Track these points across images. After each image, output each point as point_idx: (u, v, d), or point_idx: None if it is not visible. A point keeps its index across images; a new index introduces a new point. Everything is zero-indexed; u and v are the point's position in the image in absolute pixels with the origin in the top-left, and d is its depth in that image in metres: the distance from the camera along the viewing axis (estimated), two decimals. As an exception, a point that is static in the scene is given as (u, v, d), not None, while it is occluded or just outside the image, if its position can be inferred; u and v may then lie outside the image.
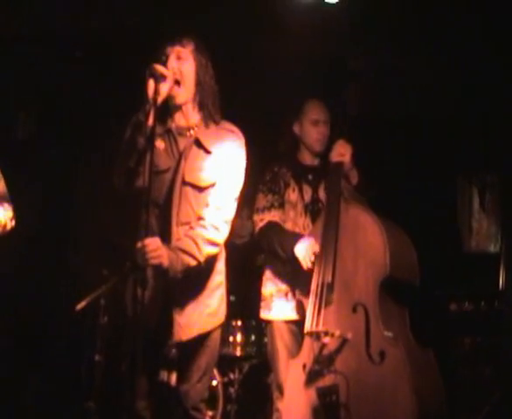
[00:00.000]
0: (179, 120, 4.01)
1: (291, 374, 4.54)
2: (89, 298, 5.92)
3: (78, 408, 6.28)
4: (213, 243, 3.86)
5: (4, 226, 4.87)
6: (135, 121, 3.79)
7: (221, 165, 3.92)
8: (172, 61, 3.91)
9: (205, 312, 3.97)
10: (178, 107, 3.99)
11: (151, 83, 3.74)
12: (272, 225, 4.81)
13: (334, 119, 4.87)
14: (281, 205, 4.87)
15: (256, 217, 4.90)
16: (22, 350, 6.47)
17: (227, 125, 4.05)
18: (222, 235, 3.91)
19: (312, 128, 4.90)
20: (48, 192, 6.57)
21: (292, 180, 4.91)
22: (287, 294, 4.83)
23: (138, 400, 3.92)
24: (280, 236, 4.73)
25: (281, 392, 4.75)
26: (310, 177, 4.92)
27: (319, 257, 4.47)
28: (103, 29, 5.63)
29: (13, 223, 4.92)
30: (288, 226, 4.83)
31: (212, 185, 3.92)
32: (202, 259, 3.80)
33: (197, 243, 3.78)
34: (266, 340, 5.96)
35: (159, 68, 3.77)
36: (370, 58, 5.46)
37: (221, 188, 3.91)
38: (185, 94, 3.95)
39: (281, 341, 4.84)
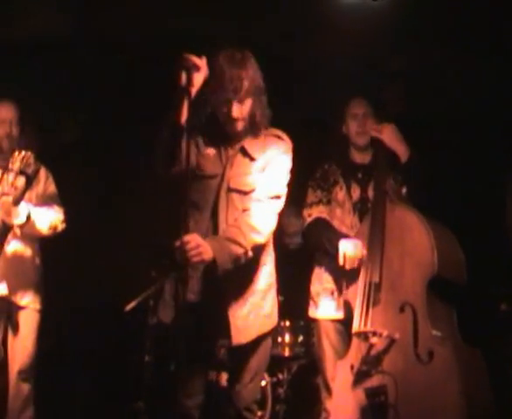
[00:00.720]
0: (229, 130, 3.98)
1: (339, 374, 4.54)
2: (138, 299, 5.99)
3: (127, 409, 6.33)
4: (257, 231, 3.82)
5: (55, 228, 4.95)
6: (170, 113, 3.76)
7: (264, 167, 3.93)
8: (236, 106, 3.83)
9: (261, 314, 3.98)
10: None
11: (183, 74, 3.68)
12: (320, 221, 4.82)
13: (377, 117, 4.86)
14: (329, 202, 4.88)
15: (304, 212, 4.92)
16: (71, 351, 6.55)
17: (274, 131, 4.04)
18: (266, 224, 3.88)
19: (352, 122, 4.90)
20: (96, 194, 6.65)
21: (341, 178, 4.91)
22: (332, 293, 4.82)
23: (187, 399, 3.94)
24: (327, 233, 4.74)
25: (329, 392, 4.75)
26: (360, 176, 4.90)
27: (366, 257, 4.47)
28: (148, 31, 5.66)
29: (63, 225, 5.00)
30: (335, 224, 4.82)
31: (256, 189, 3.92)
32: (248, 247, 3.77)
33: (241, 230, 3.76)
34: (314, 339, 5.98)
35: (191, 58, 3.70)
36: (413, 57, 5.42)
37: (265, 183, 3.91)
38: (244, 125, 3.94)
39: (327, 340, 4.84)
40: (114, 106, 6.57)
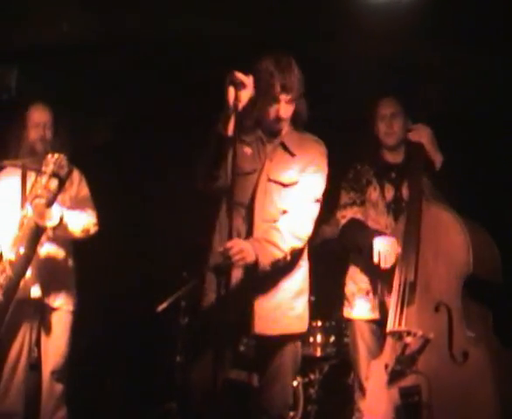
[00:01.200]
0: (270, 131, 4.10)
1: (373, 374, 4.53)
2: (170, 299, 6.01)
3: (159, 409, 6.35)
4: (297, 237, 3.94)
5: (87, 231, 4.96)
6: (216, 128, 3.87)
7: (304, 168, 4.02)
8: (283, 105, 3.98)
9: (289, 314, 4.03)
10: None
11: (231, 90, 3.81)
12: (354, 222, 4.81)
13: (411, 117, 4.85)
14: (363, 203, 4.85)
15: (338, 214, 4.91)
16: (104, 352, 6.58)
17: (311, 135, 4.16)
18: (305, 230, 3.99)
19: (381, 123, 4.87)
20: (128, 196, 6.67)
21: (374, 178, 4.88)
22: (367, 293, 4.80)
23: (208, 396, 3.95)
24: (362, 233, 4.73)
25: (362, 392, 4.74)
26: (393, 175, 4.87)
27: (400, 256, 4.45)
28: (185, 35, 5.67)
29: (96, 227, 5.02)
30: (370, 225, 4.80)
31: (295, 183, 4.01)
32: (287, 251, 3.88)
33: (282, 235, 3.87)
34: (346, 340, 5.97)
35: (239, 75, 3.84)
36: (446, 55, 5.39)
37: (303, 187, 4.01)
38: (287, 124, 4.09)
39: (362, 340, 4.82)
40: (145, 108, 6.60)
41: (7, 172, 4.94)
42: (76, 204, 4.98)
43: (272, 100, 3.96)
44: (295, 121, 4.11)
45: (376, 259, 4.49)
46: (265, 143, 4.08)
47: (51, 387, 4.94)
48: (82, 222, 4.91)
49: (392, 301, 4.43)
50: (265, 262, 3.80)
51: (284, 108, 3.98)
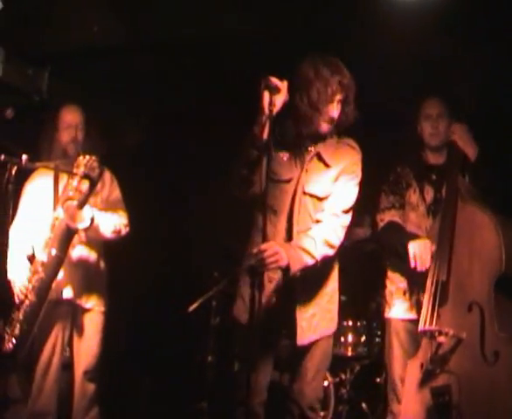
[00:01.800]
0: (306, 135, 4.09)
1: (409, 373, 4.51)
2: (201, 299, 6.03)
3: (190, 409, 6.38)
4: (330, 245, 3.95)
5: (119, 232, 4.99)
6: (250, 133, 3.88)
7: (339, 176, 4.03)
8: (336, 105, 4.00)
9: (327, 317, 4.08)
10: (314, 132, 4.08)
11: (266, 95, 3.82)
12: (392, 224, 4.81)
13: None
14: (402, 206, 4.84)
15: (378, 217, 4.92)
16: (135, 352, 6.61)
17: (346, 140, 4.15)
18: (338, 238, 4.00)
19: (425, 123, 4.85)
20: (159, 196, 6.70)
21: (414, 180, 4.86)
22: (405, 293, 4.79)
23: (253, 397, 3.96)
24: (400, 235, 4.72)
25: (396, 394, 4.73)
26: (434, 177, 4.85)
27: (434, 255, 4.44)
28: (216, 37, 5.68)
29: (127, 229, 5.04)
30: (410, 228, 4.79)
31: (329, 195, 4.03)
32: (318, 259, 3.88)
33: (316, 243, 3.88)
34: (377, 339, 5.96)
35: (274, 80, 3.84)
36: (486, 55, 5.36)
37: (337, 196, 4.02)
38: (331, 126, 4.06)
39: (397, 340, 4.81)
40: (176, 109, 6.62)
41: (39, 174, 4.97)
42: (107, 206, 5.01)
43: (326, 101, 3.97)
44: (340, 125, 4.10)
45: (412, 263, 4.50)
46: (302, 150, 4.08)
47: (83, 387, 4.98)
48: (113, 223, 4.94)
49: (425, 300, 4.42)
50: (296, 268, 3.81)
51: (337, 109, 4.00)
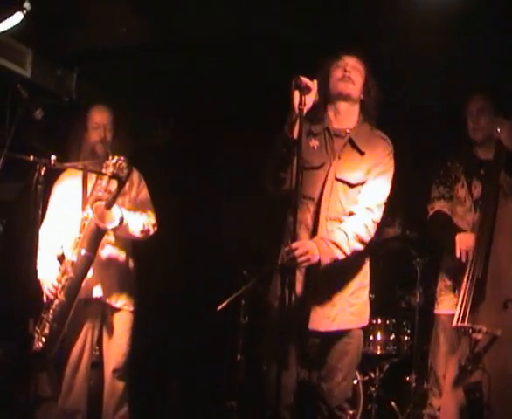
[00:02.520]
0: (336, 122, 4.12)
1: (449, 369, 4.48)
2: (230, 298, 6.04)
3: (220, 408, 6.39)
4: (361, 241, 3.94)
5: (147, 232, 5.00)
6: (281, 132, 3.89)
7: (372, 168, 4.02)
8: (350, 67, 4.06)
9: (349, 311, 4.02)
10: (338, 111, 4.11)
11: (296, 94, 3.84)
12: (440, 215, 4.85)
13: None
14: (451, 198, 4.89)
15: (428, 207, 4.95)
16: (165, 351, 6.64)
17: (379, 132, 4.15)
18: (370, 234, 3.98)
19: (469, 119, 4.89)
20: (189, 196, 6.72)
21: (462, 175, 4.88)
22: (454, 289, 4.78)
23: (279, 400, 3.94)
24: (447, 227, 4.74)
25: (437, 387, 4.72)
26: (482, 172, 4.85)
27: (472, 251, 4.42)
28: (242, 36, 5.68)
29: (155, 228, 5.06)
30: (457, 221, 4.81)
31: (362, 184, 4.01)
32: (349, 254, 3.88)
33: (348, 238, 3.87)
34: (406, 338, 5.93)
35: (304, 80, 3.85)
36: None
37: (371, 190, 4.01)
38: (354, 91, 4.09)
39: (444, 335, 4.80)
40: (204, 108, 6.63)
41: (68, 174, 5.00)
42: (136, 206, 5.03)
43: (336, 64, 4.07)
44: (365, 111, 4.14)
45: (458, 254, 4.54)
46: (332, 136, 4.09)
47: (112, 385, 5.00)
48: (142, 223, 4.96)
49: (460, 296, 4.39)
50: (326, 261, 3.81)
51: (349, 71, 4.05)
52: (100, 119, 5.03)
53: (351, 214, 3.96)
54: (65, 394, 4.89)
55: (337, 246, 3.84)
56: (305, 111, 3.83)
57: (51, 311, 4.66)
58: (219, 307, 5.98)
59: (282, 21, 5.50)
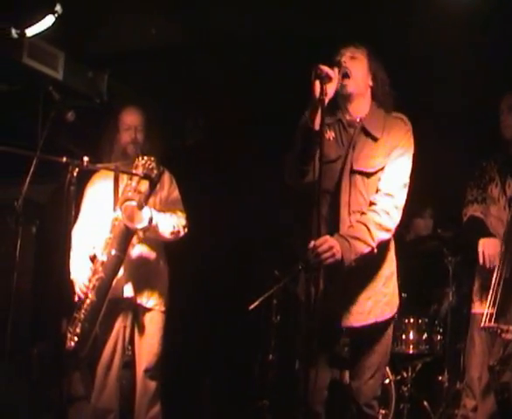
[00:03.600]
0: (349, 113, 4.05)
1: (486, 371, 4.47)
2: (261, 298, 6.05)
3: (252, 407, 6.40)
4: (385, 229, 3.85)
5: (177, 233, 5.02)
6: (303, 123, 3.84)
7: (389, 151, 3.94)
8: (345, 58, 3.97)
9: (382, 301, 3.98)
10: (349, 100, 4.03)
11: (317, 84, 3.77)
12: (473, 220, 4.80)
13: None
14: (484, 200, 4.82)
15: (463, 211, 4.92)
16: (197, 351, 6.66)
17: (395, 113, 4.06)
18: (393, 221, 3.89)
19: (501, 116, 4.84)
20: (219, 196, 6.73)
21: (497, 174, 4.83)
22: (488, 289, 4.74)
23: (312, 396, 3.95)
24: (479, 231, 4.70)
25: (471, 388, 4.69)
26: None
27: (502, 252, 4.41)
28: (273, 35, 5.69)
29: (186, 230, 5.07)
30: (490, 222, 4.77)
31: (381, 170, 3.93)
32: (374, 245, 3.80)
33: (369, 229, 3.79)
34: (438, 337, 5.90)
35: (325, 69, 3.78)
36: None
37: (390, 174, 3.92)
38: (355, 86, 3.99)
39: (479, 336, 4.73)
40: (233, 108, 6.64)
41: (100, 175, 5.04)
42: (167, 207, 5.04)
43: (335, 59, 3.97)
44: (376, 98, 4.06)
45: (480, 260, 4.52)
46: (346, 126, 4.02)
47: (144, 384, 5.02)
48: (172, 224, 4.97)
49: (489, 297, 4.37)
50: (350, 258, 3.74)
51: (348, 62, 3.96)
52: (131, 120, 5.06)
53: (371, 204, 3.88)
54: (98, 394, 4.92)
55: (360, 240, 3.76)
56: (326, 100, 3.76)
57: (82, 310, 4.69)
58: (251, 307, 5.98)
59: (311, 20, 5.51)
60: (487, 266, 4.45)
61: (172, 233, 4.97)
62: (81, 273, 4.77)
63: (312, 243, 3.65)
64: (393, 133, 3.97)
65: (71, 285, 4.75)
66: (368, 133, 3.98)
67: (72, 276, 4.77)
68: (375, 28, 5.37)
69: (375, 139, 3.96)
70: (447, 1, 5.19)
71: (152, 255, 5.04)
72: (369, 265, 3.93)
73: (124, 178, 4.90)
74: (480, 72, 5.69)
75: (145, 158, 4.58)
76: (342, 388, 5.34)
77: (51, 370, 5.83)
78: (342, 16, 5.43)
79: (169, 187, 5.14)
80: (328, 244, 3.66)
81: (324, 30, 5.46)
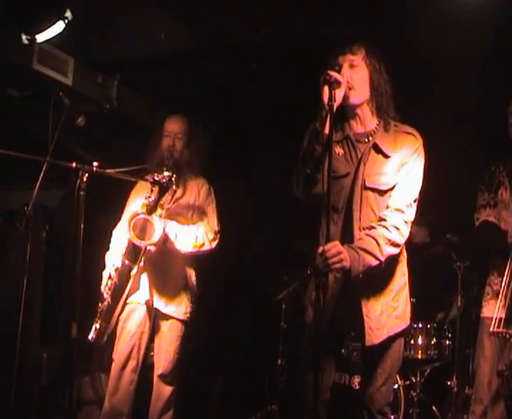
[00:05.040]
0: (357, 126, 4.02)
1: (495, 375, 4.46)
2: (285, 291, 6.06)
3: (262, 411, 6.41)
4: (394, 244, 3.84)
5: (202, 245, 5.02)
6: (312, 129, 3.83)
7: (399, 167, 3.91)
8: (345, 70, 3.91)
9: (394, 315, 3.96)
10: (355, 114, 4.00)
11: (326, 90, 3.75)
12: (486, 225, 4.75)
13: None
14: (496, 204, 4.78)
15: (474, 216, 4.85)
16: (209, 356, 6.67)
17: (405, 128, 4.02)
18: (403, 236, 3.88)
19: (509, 120, 4.82)
20: (229, 203, 6.74)
21: (506, 178, 4.80)
22: (498, 294, 4.74)
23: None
24: (493, 237, 4.67)
25: (479, 393, 4.66)
26: None
27: (511, 256, 4.39)
28: (278, 40, 5.70)
29: (213, 244, 5.08)
30: (504, 226, 4.72)
31: (393, 188, 3.90)
32: (382, 259, 3.79)
33: (378, 244, 3.78)
34: (447, 342, 5.90)
35: (333, 74, 3.77)
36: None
37: (401, 190, 3.89)
38: (358, 96, 3.94)
39: (489, 340, 4.71)
40: (244, 114, 6.66)
41: (140, 185, 5.10)
42: (198, 217, 5.12)
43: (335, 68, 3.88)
44: (378, 108, 3.99)
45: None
46: (354, 143, 3.98)
47: (159, 389, 5.06)
48: (195, 235, 5.00)
49: (497, 302, 4.36)
50: (358, 270, 3.73)
51: (346, 71, 3.89)
52: (172, 127, 5.14)
53: (381, 219, 3.86)
54: (110, 396, 4.95)
55: (369, 253, 3.75)
56: (336, 106, 3.74)
57: (100, 309, 4.83)
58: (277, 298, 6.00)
59: (323, 24, 5.52)
60: None
61: (195, 246, 4.99)
62: (106, 274, 4.92)
63: (321, 247, 3.64)
64: (404, 151, 3.93)
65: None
66: (379, 150, 3.94)
67: (103, 274, 4.97)
68: (387, 30, 5.37)
69: (386, 156, 3.93)
70: (461, 3, 5.18)
71: (176, 262, 5.07)
72: (379, 278, 3.92)
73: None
74: (483, 76, 5.70)
75: (165, 173, 4.60)
76: (351, 394, 5.35)
77: (61, 374, 5.85)
78: (352, 20, 5.44)
79: (205, 199, 5.18)
80: (336, 249, 3.64)
81: (335, 35, 5.47)
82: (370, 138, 3.97)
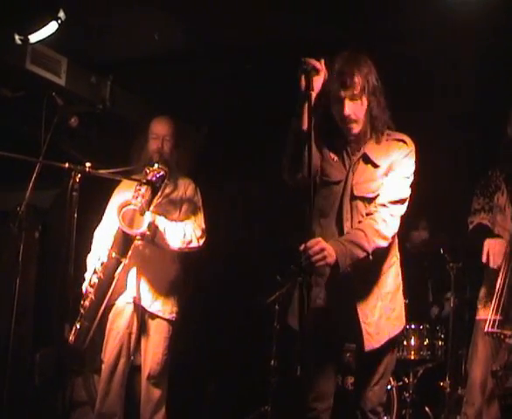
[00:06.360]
0: (354, 141, 3.94)
1: (490, 376, 4.46)
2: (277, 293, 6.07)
3: (254, 413, 6.40)
4: (382, 236, 3.78)
5: (189, 242, 5.01)
6: (292, 125, 3.75)
7: (387, 172, 3.88)
8: (347, 104, 3.80)
9: (392, 317, 3.95)
10: (353, 134, 3.93)
11: (303, 79, 3.65)
12: (480, 228, 4.74)
13: None
14: (491, 209, 4.77)
15: (468, 219, 4.85)
16: (200, 357, 6.66)
17: (397, 135, 3.97)
18: (391, 229, 3.82)
19: (508, 124, 4.81)
20: (223, 202, 6.75)
21: (503, 183, 4.79)
22: (493, 295, 4.73)
23: (317, 402, 3.93)
24: (485, 236, 4.65)
25: (472, 394, 4.66)
26: None
27: (506, 257, 4.39)
28: (276, 40, 5.70)
29: (200, 242, 5.07)
30: (497, 231, 4.70)
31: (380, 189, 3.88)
32: (370, 250, 3.72)
33: (366, 234, 3.72)
34: (440, 343, 5.90)
35: (311, 61, 3.66)
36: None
37: (386, 188, 3.86)
38: (360, 125, 3.88)
39: (482, 342, 4.71)
40: (237, 115, 6.65)
41: (127, 181, 5.06)
42: (186, 216, 5.10)
43: (336, 97, 3.81)
44: (374, 126, 3.92)
45: (484, 258, 4.44)
46: (349, 154, 3.94)
47: (148, 390, 5.04)
48: (183, 232, 4.98)
49: (492, 303, 4.37)
50: (346, 263, 3.65)
51: (348, 105, 3.81)
52: (158, 129, 5.13)
53: (368, 214, 3.82)
54: (102, 398, 4.94)
55: (357, 245, 3.68)
56: (314, 93, 3.65)
57: (82, 308, 4.79)
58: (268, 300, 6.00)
59: (318, 25, 5.52)
60: (491, 266, 4.42)
61: (183, 242, 4.98)
62: (89, 273, 4.89)
63: (303, 244, 3.51)
64: (393, 156, 3.89)
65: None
66: (368, 160, 3.90)
67: (85, 275, 4.91)
68: (381, 32, 5.38)
69: (375, 165, 3.90)
70: (454, 6, 5.19)
71: (164, 261, 5.07)
72: (376, 283, 3.91)
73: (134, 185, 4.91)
74: (481, 79, 5.71)
75: (155, 166, 4.60)
76: (345, 394, 5.35)
77: (53, 376, 5.84)
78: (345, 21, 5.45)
79: (192, 197, 5.18)
80: (319, 246, 3.53)
81: (329, 36, 5.49)
82: (362, 148, 3.94)
